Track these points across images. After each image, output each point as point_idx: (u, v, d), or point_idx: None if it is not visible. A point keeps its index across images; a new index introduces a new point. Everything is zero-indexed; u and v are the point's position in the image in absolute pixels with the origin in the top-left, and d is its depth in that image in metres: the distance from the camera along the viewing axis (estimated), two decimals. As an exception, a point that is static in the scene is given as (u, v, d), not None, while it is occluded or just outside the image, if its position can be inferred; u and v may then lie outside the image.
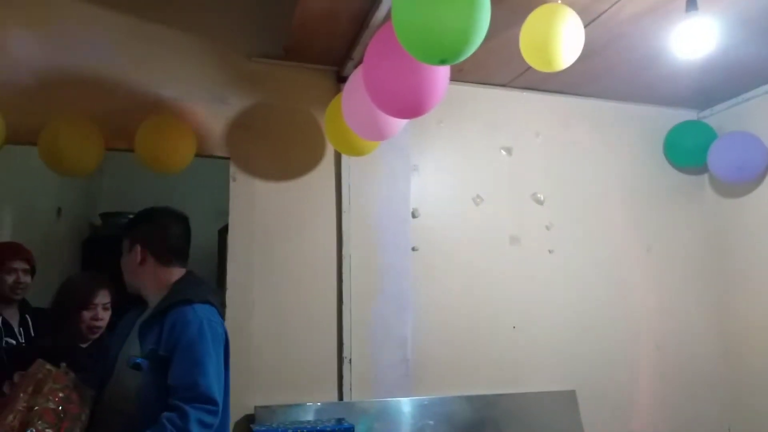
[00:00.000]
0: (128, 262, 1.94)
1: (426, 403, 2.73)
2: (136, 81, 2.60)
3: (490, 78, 3.03)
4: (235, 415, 2.48)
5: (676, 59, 2.48)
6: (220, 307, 1.93)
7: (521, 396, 2.88)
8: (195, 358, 1.73)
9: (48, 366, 1.81)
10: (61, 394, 1.76)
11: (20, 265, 2.55)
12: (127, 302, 2.07)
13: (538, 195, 3.13)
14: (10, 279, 2.52)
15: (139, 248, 1.90)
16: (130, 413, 1.77)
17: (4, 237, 3.06)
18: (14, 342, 2.49)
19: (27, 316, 2.59)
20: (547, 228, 3.11)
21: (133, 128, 2.45)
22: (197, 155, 2.57)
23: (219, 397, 1.74)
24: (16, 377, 1.80)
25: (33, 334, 2.57)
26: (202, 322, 1.77)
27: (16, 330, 2.53)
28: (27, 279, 2.57)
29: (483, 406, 2.80)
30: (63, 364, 1.87)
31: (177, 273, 1.92)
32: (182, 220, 2.00)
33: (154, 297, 1.91)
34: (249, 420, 2.49)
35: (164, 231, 1.93)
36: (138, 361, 1.78)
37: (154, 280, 1.90)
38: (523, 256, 3.04)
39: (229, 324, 2.51)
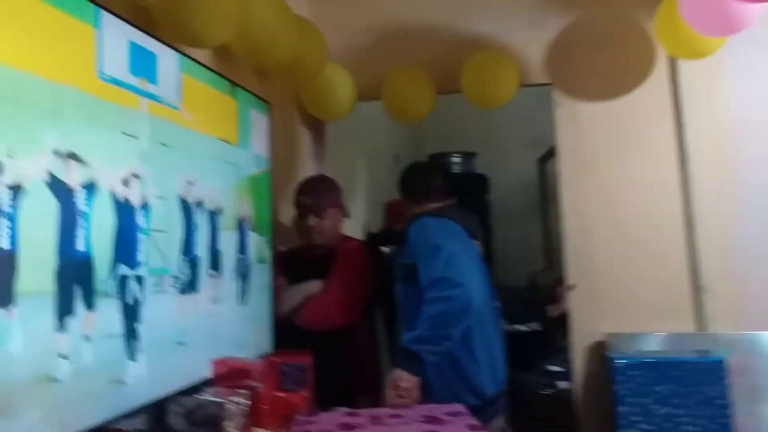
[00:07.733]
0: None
1: (819, 338, 2.32)
2: (455, 22, 2.69)
3: None
4: (584, 340, 2.51)
5: None
6: (466, 224, 2.16)
7: None
8: (428, 252, 1.99)
9: None
10: None
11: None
12: None
13: None
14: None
15: (400, 193, 2.35)
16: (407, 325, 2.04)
17: (360, 179, 3.67)
18: None
19: None
20: None
21: (457, 70, 2.55)
22: (520, 85, 2.55)
23: (456, 275, 1.92)
24: None
25: None
26: (429, 224, 2.09)
27: None
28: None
29: None
30: None
31: (430, 207, 2.20)
32: (433, 168, 2.66)
33: None
34: (599, 346, 2.47)
35: (414, 178, 2.32)
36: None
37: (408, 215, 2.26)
38: None
39: (569, 250, 2.58)
